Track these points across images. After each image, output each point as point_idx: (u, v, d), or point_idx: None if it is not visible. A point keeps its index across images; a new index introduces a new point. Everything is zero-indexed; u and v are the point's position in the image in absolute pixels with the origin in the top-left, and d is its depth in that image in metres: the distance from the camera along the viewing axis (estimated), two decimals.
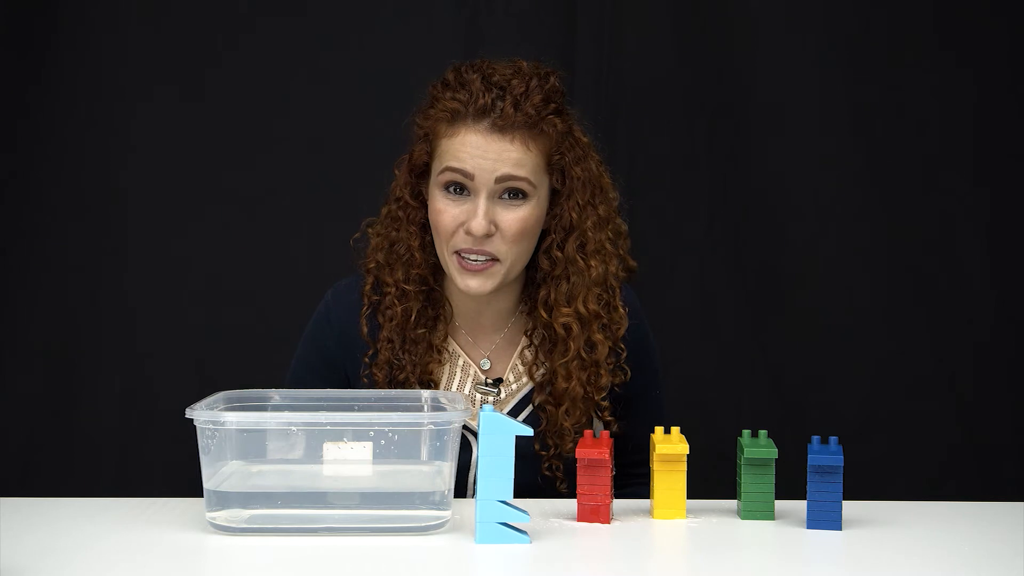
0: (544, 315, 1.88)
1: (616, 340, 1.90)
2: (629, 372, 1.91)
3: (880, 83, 2.72)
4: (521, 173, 1.80)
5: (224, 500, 1.51)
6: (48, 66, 2.68)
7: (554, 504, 1.67)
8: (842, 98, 2.72)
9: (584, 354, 1.86)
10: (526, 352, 1.93)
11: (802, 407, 2.71)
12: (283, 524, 1.52)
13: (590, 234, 1.87)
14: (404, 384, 1.89)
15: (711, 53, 2.72)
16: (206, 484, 1.52)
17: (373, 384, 1.91)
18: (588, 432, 1.62)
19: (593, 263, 1.87)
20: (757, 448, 1.60)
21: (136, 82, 2.71)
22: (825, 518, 1.55)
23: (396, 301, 1.89)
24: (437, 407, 1.66)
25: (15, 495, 1.73)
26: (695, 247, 2.75)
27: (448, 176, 1.81)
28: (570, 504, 1.63)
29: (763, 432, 1.64)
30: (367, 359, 1.92)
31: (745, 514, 1.61)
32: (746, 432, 1.64)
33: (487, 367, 1.93)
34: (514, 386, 1.92)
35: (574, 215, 1.86)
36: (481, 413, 1.47)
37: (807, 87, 2.73)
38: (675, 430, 1.64)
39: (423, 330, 1.89)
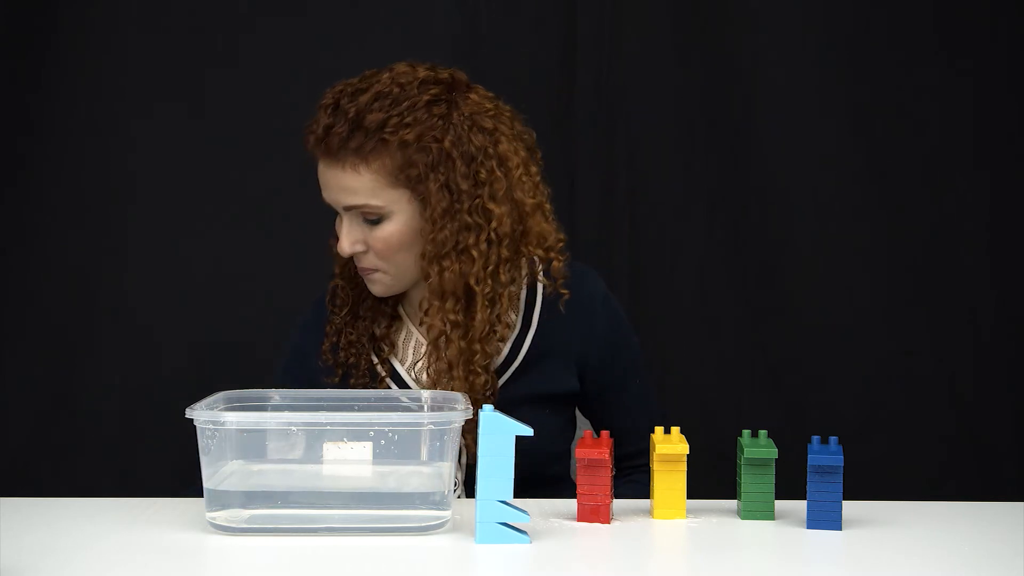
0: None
1: (486, 340, 1.85)
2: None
3: (880, 83, 2.72)
4: (358, 200, 1.81)
5: (224, 500, 1.51)
6: (48, 66, 2.68)
7: (554, 504, 1.67)
8: (842, 98, 2.72)
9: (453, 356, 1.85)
10: None
11: (802, 407, 2.71)
12: (283, 524, 1.52)
13: (444, 239, 1.81)
14: (355, 344, 1.94)
15: (711, 53, 2.72)
16: (206, 484, 1.52)
17: (324, 362, 1.96)
18: (588, 432, 1.62)
19: (444, 266, 1.82)
20: (757, 448, 1.60)
21: (136, 82, 2.71)
22: (825, 518, 1.55)
23: (339, 292, 1.97)
24: (437, 407, 1.66)
25: (15, 495, 1.73)
26: (695, 247, 2.75)
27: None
28: (570, 504, 1.63)
29: (763, 432, 1.64)
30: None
31: (745, 514, 1.61)
32: (746, 432, 1.64)
33: None
34: None
35: (427, 225, 1.83)
36: (482, 413, 1.47)
37: (807, 87, 2.73)
38: (675, 430, 1.64)
39: (371, 301, 1.95)
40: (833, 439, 1.57)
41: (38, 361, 2.72)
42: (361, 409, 1.63)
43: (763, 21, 2.72)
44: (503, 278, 1.85)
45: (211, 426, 1.50)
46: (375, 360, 1.95)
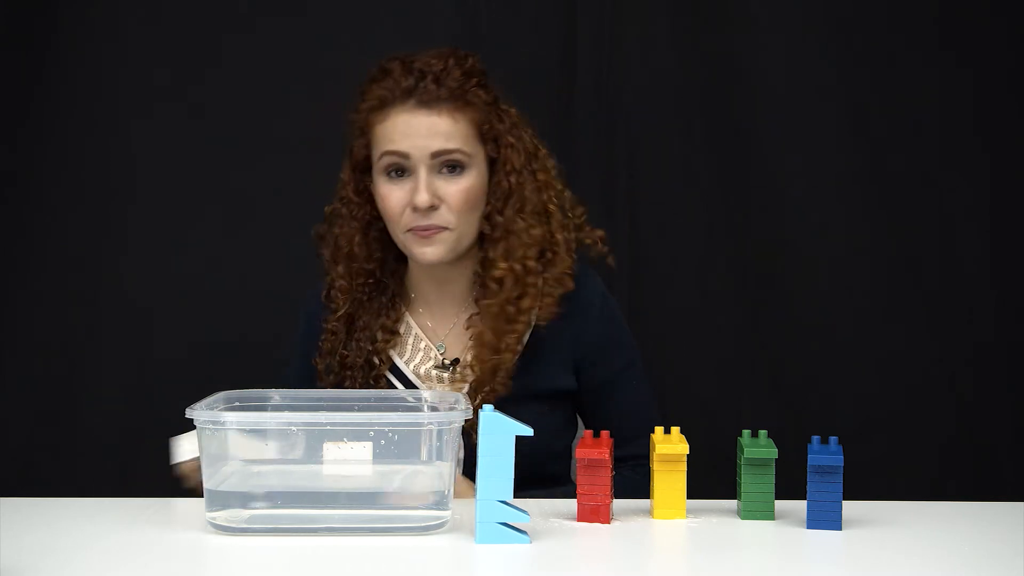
0: (481, 272, 1.93)
1: (551, 301, 1.91)
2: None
3: (880, 83, 2.72)
4: (452, 145, 1.87)
5: (224, 500, 1.51)
6: (48, 66, 2.68)
7: (554, 504, 1.67)
8: (842, 98, 2.72)
9: (508, 307, 1.89)
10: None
11: (802, 407, 2.71)
12: (283, 524, 1.52)
13: (528, 196, 1.92)
14: (352, 367, 1.94)
15: (711, 53, 2.72)
16: (206, 484, 1.52)
17: (315, 372, 1.97)
18: (588, 432, 1.62)
19: (532, 223, 1.91)
20: (757, 448, 1.60)
21: (136, 82, 2.71)
22: (825, 518, 1.55)
23: (339, 295, 1.98)
24: (437, 407, 1.66)
25: (15, 495, 1.73)
26: (695, 247, 2.75)
27: (387, 160, 1.89)
28: (570, 504, 1.63)
29: (763, 432, 1.64)
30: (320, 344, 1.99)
31: (745, 514, 1.61)
32: (746, 432, 1.64)
33: (443, 350, 1.96)
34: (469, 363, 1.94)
35: (512, 179, 1.91)
36: (482, 413, 1.47)
37: (807, 87, 2.73)
38: (675, 430, 1.64)
39: (368, 318, 1.96)
40: (833, 439, 1.57)
41: (38, 361, 2.72)
42: (361, 409, 1.63)
43: (763, 21, 2.72)
44: (570, 235, 1.96)
45: (211, 426, 1.50)
46: (377, 363, 1.95)
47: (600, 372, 1.97)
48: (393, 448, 1.52)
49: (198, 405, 1.53)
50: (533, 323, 1.92)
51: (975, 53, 2.71)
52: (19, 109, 2.69)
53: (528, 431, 1.47)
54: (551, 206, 1.94)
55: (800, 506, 1.59)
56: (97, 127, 2.71)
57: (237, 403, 1.64)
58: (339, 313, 1.97)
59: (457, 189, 1.88)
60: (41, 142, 2.70)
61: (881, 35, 2.72)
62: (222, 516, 1.51)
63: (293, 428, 1.52)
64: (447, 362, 1.95)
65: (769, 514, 1.61)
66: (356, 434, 1.52)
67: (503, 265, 1.90)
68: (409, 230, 1.89)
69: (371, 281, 1.98)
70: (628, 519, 1.61)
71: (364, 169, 1.96)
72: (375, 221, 1.96)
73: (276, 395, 1.69)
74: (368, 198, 1.96)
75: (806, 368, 2.74)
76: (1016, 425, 2.73)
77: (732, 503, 1.67)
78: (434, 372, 1.95)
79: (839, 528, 1.55)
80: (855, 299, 2.75)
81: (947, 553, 1.48)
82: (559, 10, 2.73)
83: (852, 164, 2.73)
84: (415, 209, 1.87)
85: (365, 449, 1.52)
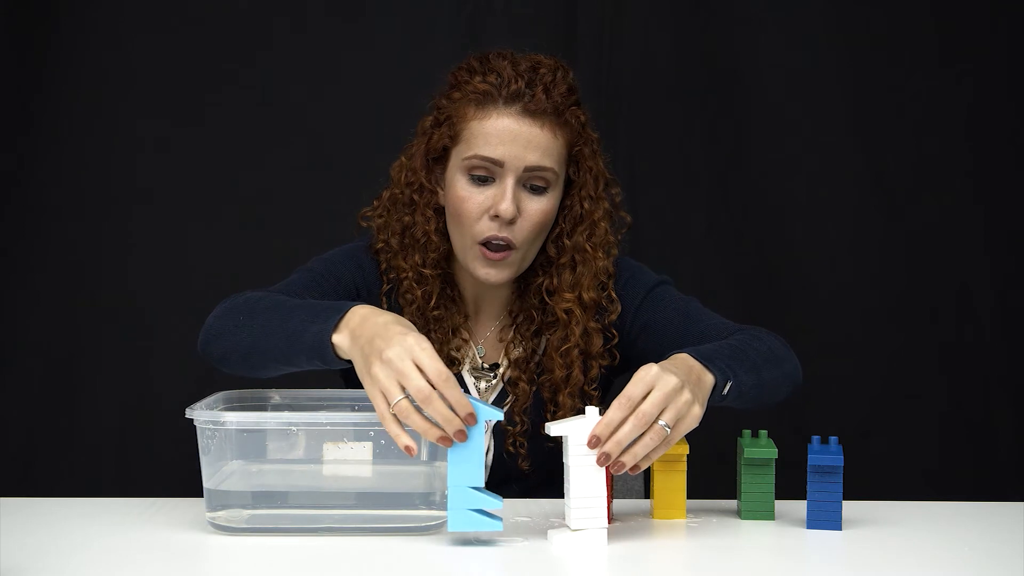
0: (535, 300, 1.88)
1: (608, 327, 1.89)
2: (618, 357, 1.89)
3: (880, 83, 2.72)
4: (547, 163, 1.79)
5: (224, 500, 1.51)
6: (48, 66, 2.68)
7: (554, 504, 1.67)
8: (842, 98, 2.73)
9: (582, 342, 1.85)
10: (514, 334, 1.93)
11: (802, 407, 2.71)
12: (283, 524, 1.52)
13: (600, 224, 1.87)
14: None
15: (711, 53, 2.72)
16: (206, 484, 1.52)
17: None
18: None
19: (599, 254, 1.86)
20: (757, 448, 1.60)
21: (137, 82, 2.71)
22: (825, 518, 1.55)
23: (414, 285, 1.87)
24: None
25: (15, 495, 1.73)
26: (695, 247, 2.75)
27: (475, 163, 1.79)
28: None
29: (763, 432, 1.64)
30: None
31: (745, 514, 1.61)
32: (746, 432, 1.64)
33: (483, 354, 1.93)
34: (506, 372, 1.92)
35: (586, 205, 1.86)
36: None
37: (807, 87, 2.73)
38: None
39: (440, 311, 1.88)
40: (833, 439, 1.57)
41: (38, 361, 2.72)
42: (361, 409, 1.63)
43: (763, 22, 2.72)
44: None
45: (211, 426, 1.50)
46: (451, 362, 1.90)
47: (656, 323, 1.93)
48: (393, 448, 1.52)
49: (198, 405, 1.54)
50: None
51: (974, 54, 2.71)
52: (19, 110, 2.69)
53: (499, 415, 1.46)
54: (611, 237, 1.88)
55: (800, 506, 1.59)
56: (97, 128, 2.71)
57: (237, 403, 1.64)
58: (416, 305, 1.87)
59: (538, 208, 1.81)
60: (42, 143, 2.70)
61: (881, 35, 2.72)
62: (222, 516, 1.51)
63: (293, 428, 1.52)
64: (486, 366, 1.92)
65: (769, 514, 1.61)
66: (356, 434, 1.52)
67: (569, 296, 1.85)
68: (481, 243, 1.80)
69: (439, 272, 1.88)
70: (628, 519, 1.62)
71: (437, 158, 1.86)
72: (441, 211, 1.87)
73: (276, 395, 1.69)
74: (436, 186, 1.88)
75: (806, 368, 2.73)
76: (1016, 425, 2.73)
77: (732, 503, 1.67)
78: (472, 377, 1.91)
79: (839, 528, 1.55)
80: (855, 299, 2.75)
81: (947, 553, 1.48)
82: (559, 10, 2.73)
83: (852, 164, 2.73)
84: (494, 217, 1.79)
85: (365, 449, 1.52)
